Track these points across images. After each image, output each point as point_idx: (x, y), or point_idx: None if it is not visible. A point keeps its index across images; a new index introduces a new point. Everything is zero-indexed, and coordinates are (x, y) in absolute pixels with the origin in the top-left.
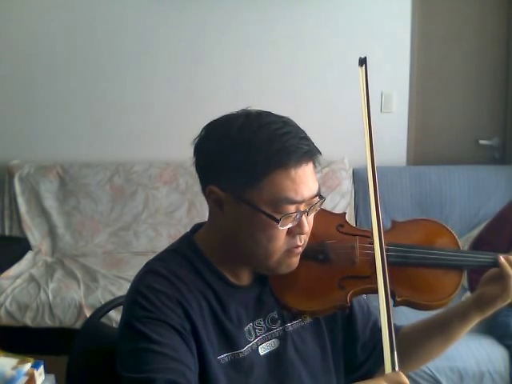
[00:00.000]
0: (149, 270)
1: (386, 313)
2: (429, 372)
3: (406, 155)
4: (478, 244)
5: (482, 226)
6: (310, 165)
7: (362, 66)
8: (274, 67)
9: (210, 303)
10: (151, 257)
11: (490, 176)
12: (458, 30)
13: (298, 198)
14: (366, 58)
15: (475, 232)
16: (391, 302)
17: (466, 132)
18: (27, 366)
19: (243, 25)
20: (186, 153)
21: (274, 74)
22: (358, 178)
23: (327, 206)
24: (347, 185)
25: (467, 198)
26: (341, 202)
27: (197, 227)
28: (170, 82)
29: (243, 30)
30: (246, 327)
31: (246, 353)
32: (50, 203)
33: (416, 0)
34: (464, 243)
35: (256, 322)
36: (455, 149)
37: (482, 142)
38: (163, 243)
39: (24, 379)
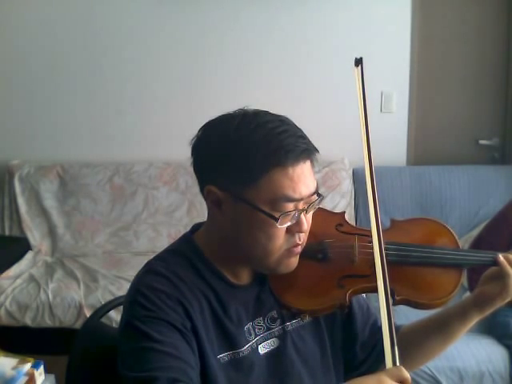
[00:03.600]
0: (149, 270)
1: (386, 308)
2: (429, 372)
3: (406, 155)
4: (478, 244)
5: (481, 226)
6: (308, 163)
7: (357, 66)
8: (274, 67)
9: (210, 302)
10: (151, 257)
11: (489, 176)
12: (458, 30)
13: (297, 196)
14: (361, 58)
15: (475, 232)
16: (390, 301)
17: (466, 132)
18: (27, 366)
19: (243, 25)
20: (185, 153)
21: (274, 75)
22: (358, 177)
23: (327, 206)
24: (347, 185)
25: (467, 198)
26: (341, 201)
27: (196, 227)
28: (170, 83)
29: (243, 30)
30: (246, 326)
31: (245, 352)
32: (50, 203)
33: (416, 0)
34: (464, 243)
35: (256, 322)
36: (455, 149)
37: (481, 141)
38: (163, 243)
39: (24, 379)
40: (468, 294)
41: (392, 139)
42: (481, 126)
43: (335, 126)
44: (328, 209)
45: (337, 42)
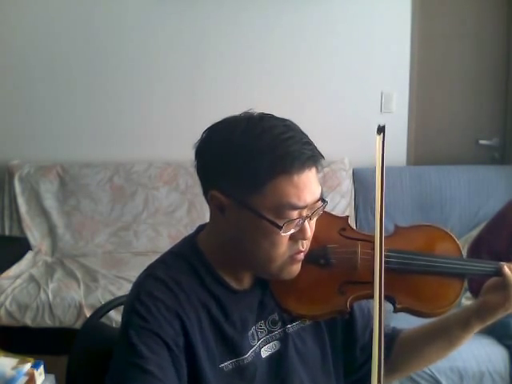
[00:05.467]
0: (149, 275)
1: (378, 324)
2: (429, 372)
3: (406, 155)
4: (477, 244)
5: (481, 226)
6: (313, 170)
7: (380, 134)
8: (275, 68)
9: (209, 312)
10: (151, 257)
11: (489, 176)
12: (457, 29)
13: (301, 204)
14: (384, 126)
15: (475, 232)
16: (391, 308)
17: (466, 132)
18: (27, 366)
19: (244, 26)
20: (186, 153)
21: (275, 75)
22: (358, 178)
23: (327, 206)
24: (347, 185)
25: (467, 198)
26: (341, 202)
27: (201, 228)
28: (170, 82)
29: (243, 30)
30: (250, 331)
31: (249, 358)
32: (50, 203)
33: (416, 0)
34: (464, 243)
35: (258, 325)
36: (455, 149)
37: (481, 141)
38: (163, 243)
39: (24, 379)
40: (468, 294)
41: (392, 139)
42: (481, 126)
43: (335, 126)
44: (328, 209)
45: (337, 42)
